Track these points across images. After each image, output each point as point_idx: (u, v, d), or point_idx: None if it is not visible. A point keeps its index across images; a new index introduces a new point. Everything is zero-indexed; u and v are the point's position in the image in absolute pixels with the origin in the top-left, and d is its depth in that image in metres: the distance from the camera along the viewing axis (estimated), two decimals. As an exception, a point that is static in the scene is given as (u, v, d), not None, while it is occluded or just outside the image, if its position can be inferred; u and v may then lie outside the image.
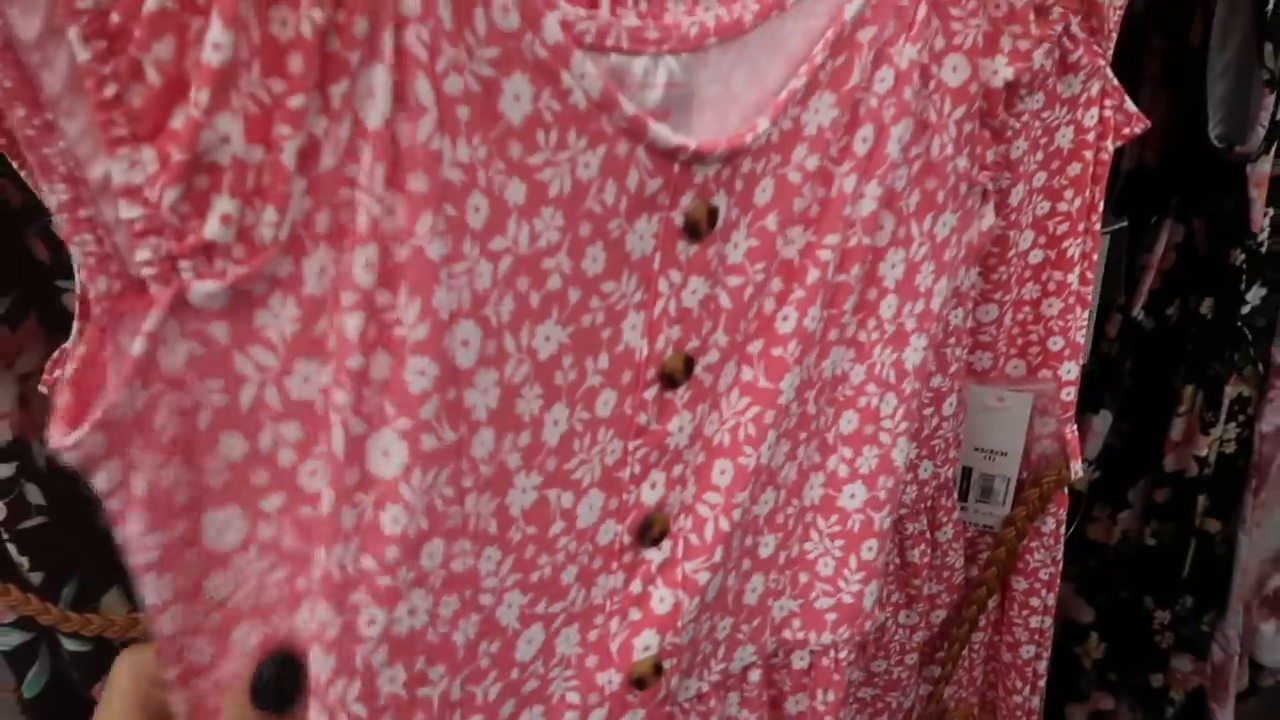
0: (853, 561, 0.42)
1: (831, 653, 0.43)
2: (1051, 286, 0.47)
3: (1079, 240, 0.46)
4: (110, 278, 0.25)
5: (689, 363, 0.35)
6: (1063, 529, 0.53)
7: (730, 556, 0.39)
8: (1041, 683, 0.58)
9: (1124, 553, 0.85)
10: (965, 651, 0.55)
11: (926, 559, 0.50)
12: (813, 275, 0.36)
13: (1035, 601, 0.54)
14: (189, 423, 0.27)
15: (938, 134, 0.37)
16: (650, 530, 0.36)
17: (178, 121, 0.24)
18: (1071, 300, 0.47)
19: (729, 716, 0.43)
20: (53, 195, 0.24)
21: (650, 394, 0.35)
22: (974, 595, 0.52)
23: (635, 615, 0.37)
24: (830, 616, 0.42)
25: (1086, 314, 0.48)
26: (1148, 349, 0.75)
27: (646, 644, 0.37)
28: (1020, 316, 0.49)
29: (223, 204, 0.25)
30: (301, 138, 0.25)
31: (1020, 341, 0.49)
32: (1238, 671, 0.93)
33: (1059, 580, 0.55)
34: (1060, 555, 0.54)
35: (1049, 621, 0.55)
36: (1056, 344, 0.48)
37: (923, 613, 0.52)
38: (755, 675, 0.43)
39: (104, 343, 0.26)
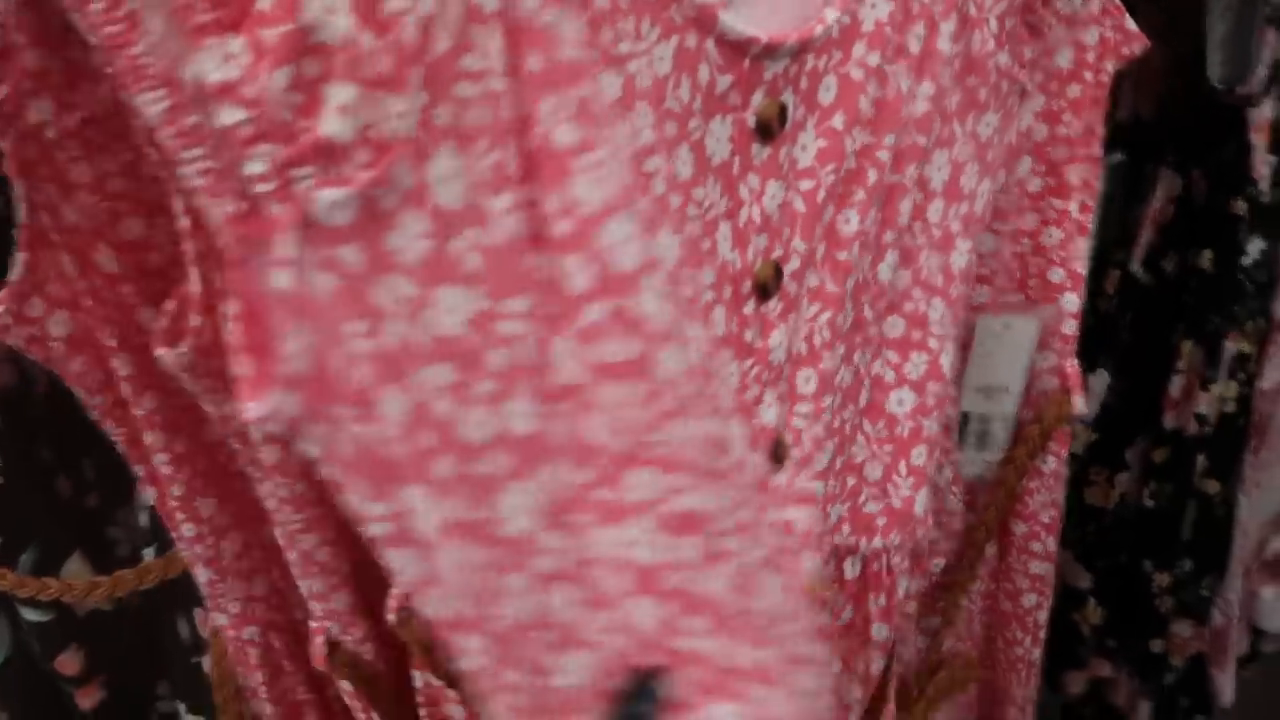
0: (902, 467, 0.41)
1: (883, 558, 0.42)
2: (1051, 215, 0.46)
3: (1079, 166, 0.45)
4: (237, 198, 0.22)
5: (778, 271, 0.34)
6: (1064, 469, 0.52)
7: (831, 465, 0.38)
8: (1042, 634, 0.57)
9: (1122, 516, 0.84)
10: (964, 601, 0.54)
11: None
12: (872, 176, 0.35)
13: (1036, 546, 0.53)
14: (344, 380, 0.24)
15: (978, 28, 0.37)
16: (779, 451, 0.35)
17: (265, 1, 0.21)
18: (1072, 229, 0.46)
19: None
20: (153, 105, 0.22)
21: (750, 309, 0.34)
22: (972, 539, 0.51)
23: (790, 542, 0.37)
24: (880, 521, 0.42)
25: (1087, 243, 0.47)
26: (1145, 305, 0.75)
27: (806, 566, 0.37)
28: (1019, 248, 0.48)
29: (339, 93, 0.22)
30: (418, 15, 0.22)
31: (1019, 274, 0.48)
32: (1238, 636, 0.92)
33: (1059, 525, 0.54)
34: (1062, 498, 0.53)
35: (1051, 569, 0.54)
36: (1057, 275, 0.47)
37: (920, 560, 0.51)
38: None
39: (250, 281, 0.23)
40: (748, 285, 0.33)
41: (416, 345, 0.25)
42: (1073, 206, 0.45)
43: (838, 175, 0.35)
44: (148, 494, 0.49)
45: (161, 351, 0.29)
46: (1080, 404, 0.50)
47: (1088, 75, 0.43)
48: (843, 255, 0.36)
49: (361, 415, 0.25)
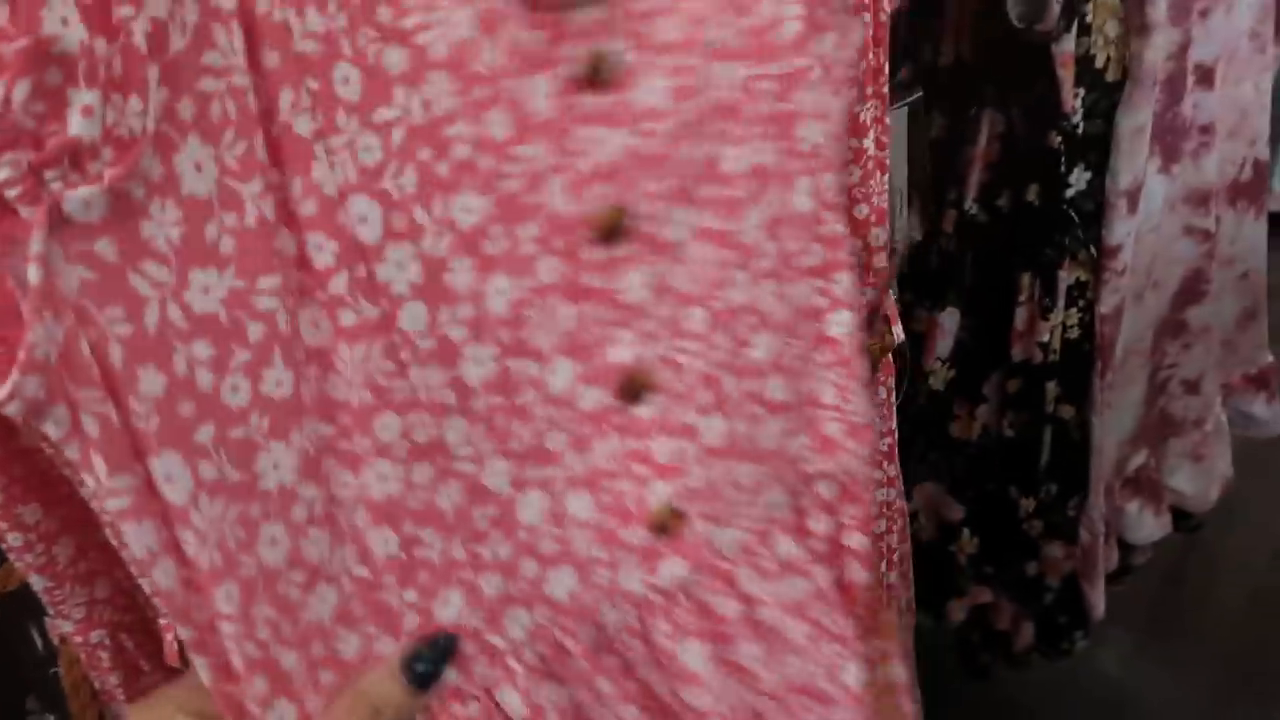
0: (853, 385, 0.43)
1: (848, 473, 0.44)
2: (848, 154, 0.48)
3: (870, 104, 0.47)
4: None
5: (621, 217, 0.34)
6: (894, 397, 0.54)
7: (727, 401, 0.38)
8: (896, 557, 0.59)
9: (986, 447, 0.87)
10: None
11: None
12: (753, 108, 0.35)
13: (877, 474, 0.55)
14: (104, 361, 0.26)
15: None
16: (632, 388, 0.36)
17: (2, 16, 0.23)
18: (871, 166, 0.48)
19: (788, 562, 0.42)
20: None
21: (590, 254, 0.34)
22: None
23: (641, 470, 0.37)
24: (843, 440, 0.43)
25: (886, 180, 0.48)
26: (984, 242, 0.78)
27: (658, 493, 0.37)
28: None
29: (81, 97, 0.24)
30: (145, 19, 0.24)
31: (828, 213, 0.50)
32: (1106, 551, 0.97)
33: (898, 451, 0.56)
34: (895, 425, 0.55)
35: (895, 495, 0.56)
36: (862, 211, 0.49)
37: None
38: (789, 515, 0.43)
39: (3, 278, 0.25)
40: (587, 232, 0.34)
41: (175, 326, 0.27)
42: (868, 144, 0.47)
43: (699, 111, 0.35)
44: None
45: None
46: (898, 334, 0.52)
47: (867, 17, 0.45)
48: (729, 191, 0.36)
49: (116, 394, 0.26)
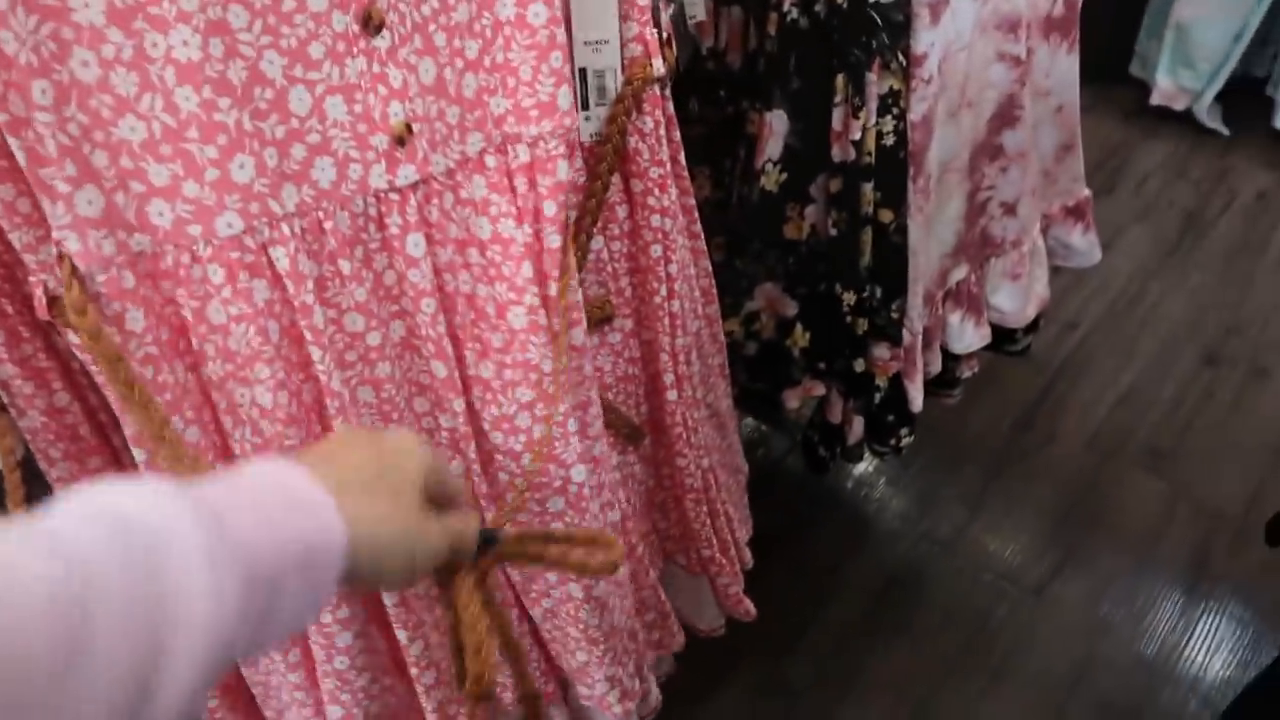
0: (544, 69, 0.52)
1: (542, 144, 0.54)
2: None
3: None
4: None
5: None
6: (661, 130, 0.63)
7: (436, 50, 0.48)
8: (678, 286, 0.69)
9: (814, 247, 0.98)
10: (596, 248, 0.65)
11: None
12: None
13: (653, 201, 0.65)
14: None
15: None
16: (370, 21, 0.45)
17: None
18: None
19: (481, 200, 0.53)
20: None
21: None
22: (592, 190, 0.62)
23: (382, 90, 0.47)
24: (534, 113, 0.53)
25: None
26: (805, 46, 0.87)
27: (395, 110, 0.47)
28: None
29: None
30: None
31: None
32: (928, 356, 1.08)
33: (670, 183, 0.65)
34: (666, 157, 0.64)
35: (670, 223, 0.66)
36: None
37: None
38: (491, 160, 0.53)
39: None
40: None
41: None
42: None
43: None
44: None
45: None
46: (660, 66, 0.61)
47: None
48: None
49: None
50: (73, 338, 0.52)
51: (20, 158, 0.38)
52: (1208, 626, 1.24)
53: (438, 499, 0.44)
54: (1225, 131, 2.04)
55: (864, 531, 1.40)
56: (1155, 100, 2.07)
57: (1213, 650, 1.22)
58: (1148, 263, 1.77)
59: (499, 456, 0.59)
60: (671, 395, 0.72)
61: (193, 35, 0.40)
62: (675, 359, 0.71)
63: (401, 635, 0.61)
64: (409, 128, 0.47)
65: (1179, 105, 2.06)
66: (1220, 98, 2.02)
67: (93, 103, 0.39)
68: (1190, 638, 1.23)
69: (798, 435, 1.25)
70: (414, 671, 0.62)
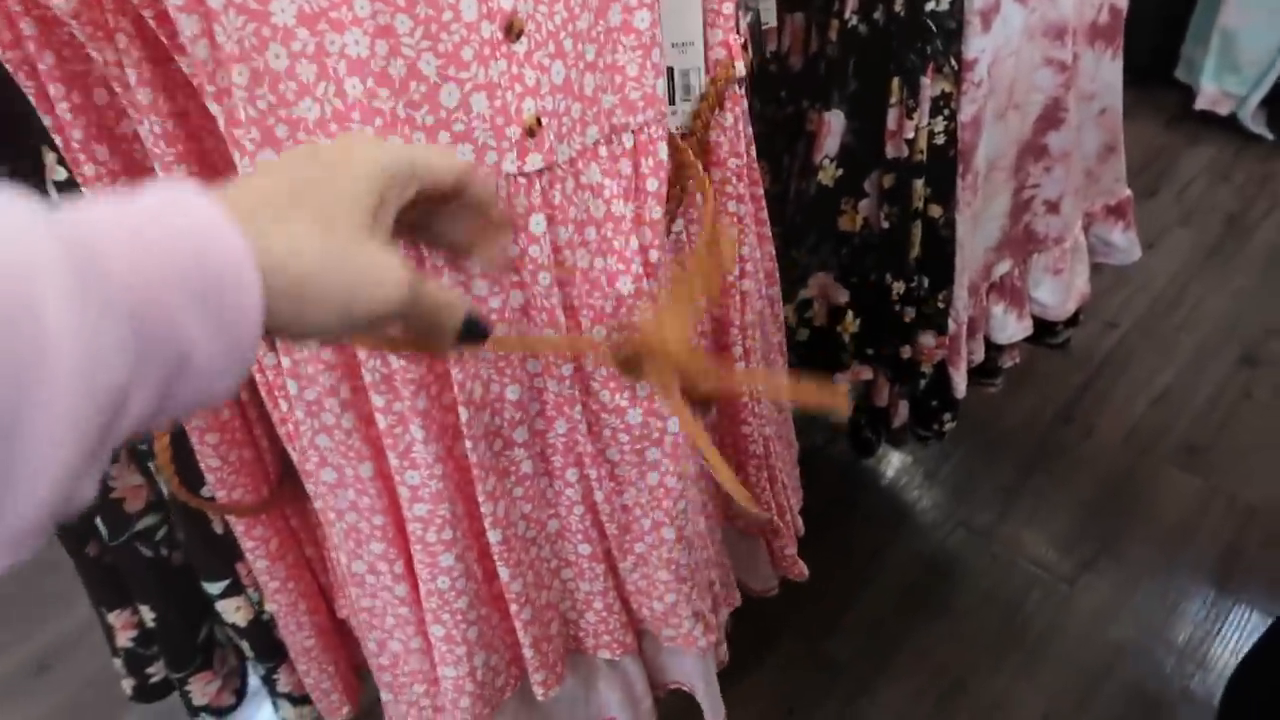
0: (648, 65, 0.59)
1: (646, 130, 0.61)
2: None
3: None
4: None
5: None
6: (740, 124, 0.70)
7: (565, 54, 0.54)
8: (749, 268, 0.76)
9: (867, 239, 1.04)
10: (683, 237, 0.73)
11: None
12: None
13: (730, 189, 0.71)
14: None
15: None
16: (513, 29, 0.52)
17: None
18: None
19: (597, 184, 0.60)
20: None
21: None
22: (679, 176, 0.69)
23: (519, 88, 0.54)
24: (640, 104, 0.60)
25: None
26: (863, 51, 0.93)
27: (528, 106, 0.54)
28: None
29: None
30: None
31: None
32: (971, 345, 1.14)
33: (746, 173, 0.72)
34: (743, 149, 0.71)
35: (744, 209, 0.73)
36: (711, -35, 0.65)
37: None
38: (604, 150, 0.60)
39: None
40: None
41: None
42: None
43: None
44: None
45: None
46: (740, 68, 0.68)
47: None
48: None
49: None
50: None
51: (220, 120, 0.47)
52: (1238, 618, 1.28)
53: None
54: (1269, 136, 2.07)
55: (903, 518, 1.45)
56: (1200, 105, 2.10)
57: (1243, 641, 1.25)
58: (1189, 265, 1.80)
59: (605, 415, 0.66)
60: (739, 367, 0.78)
61: (363, 36, 0.47)
62: (744, 333, 0.78)
63: (503, 572, 0.68)
64: (539, 121, 0.54)
65: (1223, 110, 2.09)
66: (1265, 103, 2.05)
67: (280, 86, 0.47)
68: (1221, 628, 1.27)
69: (844, 423, 1.30)
70: (513, 608, 0.70)
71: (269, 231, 0.31)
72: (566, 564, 0.74)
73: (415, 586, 0.68)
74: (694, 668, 0.84)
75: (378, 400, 0.60)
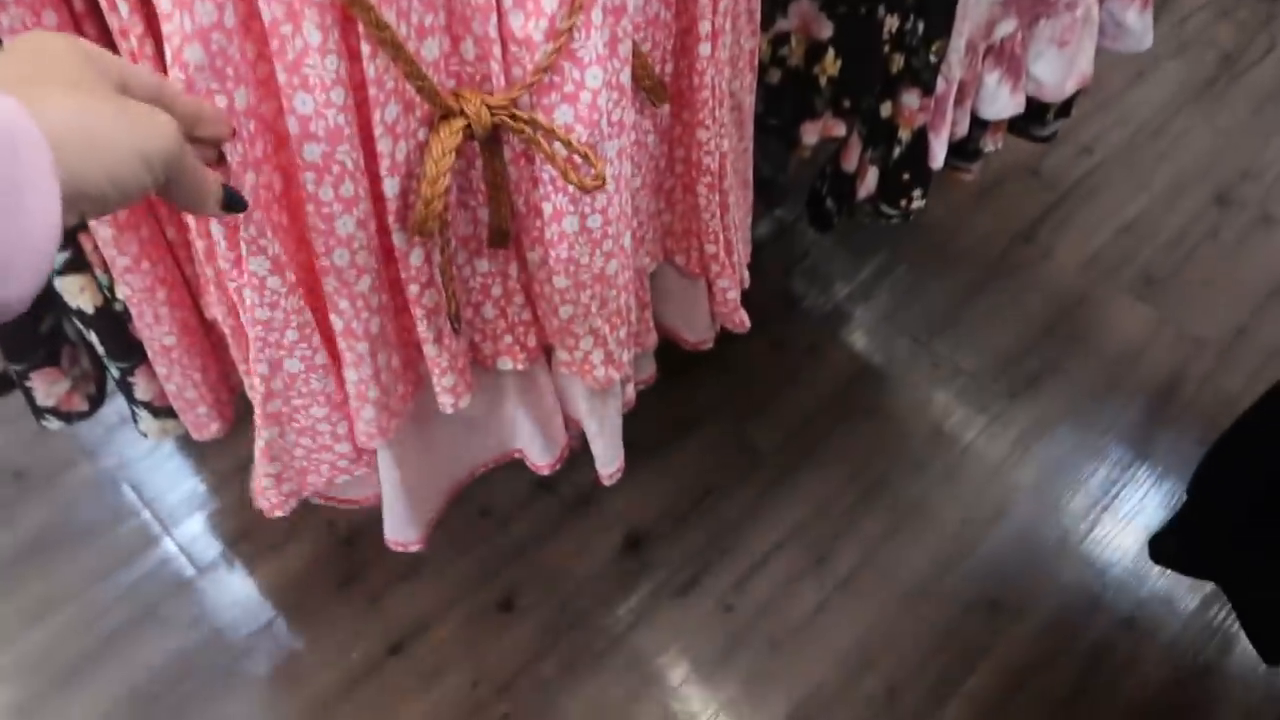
0: None
1: None
2: None
3: None
4: None
5: None
6: None
7: None
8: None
9: (863, -37, 0.89)
10: None
11: None
12: None
13: None
14: None
15: None
16: None
17: None
18: None
19: None
20: None
21: None
22: None
23: None
24: None
25: None
26: None
27: None
28: None
29: None
30: None
31: None
32: (957, 114, 1.02)
33: None
34: None
35: None
36: None
37: None
38: None
39: None
40: None
41: None
42: None
43: None
44: None
45: None
46: None
47: None
48: None
49: None
50: None
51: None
52: (1168, 444, 1.25)
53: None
54: (1280, -21, 1.93)
55: (845, 320, 1.37)
56: (1215, -65, 1.94)
57: (1171, 468, 1.23)
58: (1176, 98, 1.70)
59: (514, 46, 0.53)
60: (704, 49, 0.65)
61: None
62: (715, 7, 0.64)
63: (398, 239, 0.56)
64: None
65: (1238, -56, 1.94)
66: (1283, -59, 1.90)
67: None
68: (1151, 452, 1.24)
69: (793, 211, 1.19)
70: (412, 290, 0.58)
71: (38, 95, 0.31)
72: (467, 239, 0.62)
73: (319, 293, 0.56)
74: (589, 404, 0.74)
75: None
